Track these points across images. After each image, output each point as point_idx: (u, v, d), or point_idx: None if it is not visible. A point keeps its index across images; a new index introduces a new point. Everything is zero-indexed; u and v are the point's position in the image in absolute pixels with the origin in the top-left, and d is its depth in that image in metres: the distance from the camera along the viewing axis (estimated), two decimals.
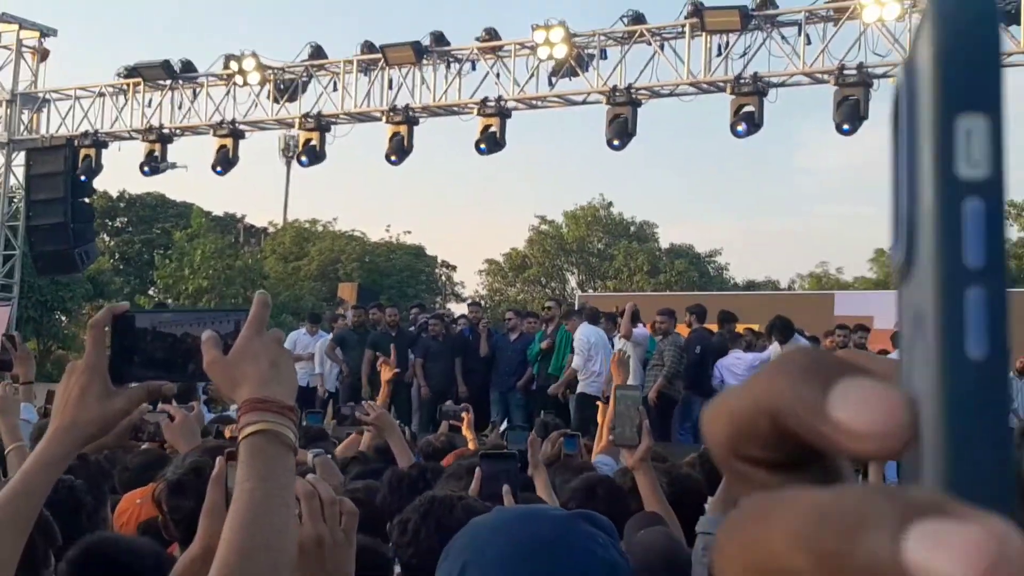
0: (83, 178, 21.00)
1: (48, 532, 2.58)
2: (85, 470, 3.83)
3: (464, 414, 8.64)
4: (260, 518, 1.74)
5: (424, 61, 18.66)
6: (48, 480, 2.14)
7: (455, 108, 18.78)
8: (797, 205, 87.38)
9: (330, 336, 17.84)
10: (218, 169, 19.77)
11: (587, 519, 1.71)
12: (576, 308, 16.83)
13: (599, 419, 7.33)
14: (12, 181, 22.31)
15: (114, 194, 44.79)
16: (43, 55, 21.98)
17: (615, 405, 4.54)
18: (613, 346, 15.02)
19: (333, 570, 2.04)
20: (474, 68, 18.68)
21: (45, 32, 22.02)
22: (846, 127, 15.58)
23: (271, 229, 48.95)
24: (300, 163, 19.91)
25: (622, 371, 6.09)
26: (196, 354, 1.95)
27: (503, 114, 18.01)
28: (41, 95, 21.91)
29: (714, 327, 16.17)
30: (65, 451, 2.12)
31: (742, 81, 16.30)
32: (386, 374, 8.19)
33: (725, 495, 4.24)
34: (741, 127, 16.25)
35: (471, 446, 8.06)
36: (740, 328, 16.76)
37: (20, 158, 21.95)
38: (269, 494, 1.76)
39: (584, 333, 14.86)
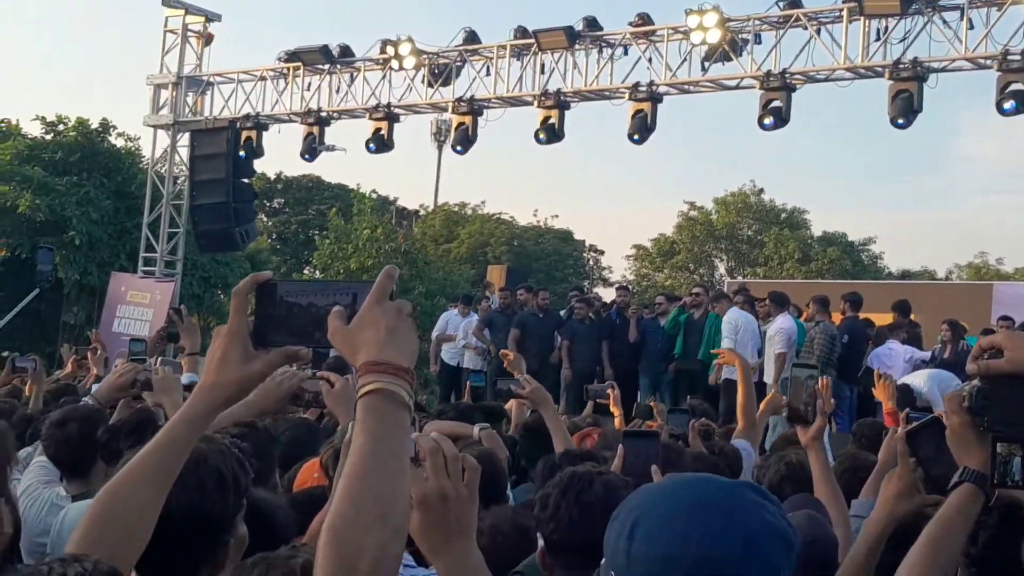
0: (243, 156, 21.59)
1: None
2: (253, 436, 4.00)
3: (610, 391, 8.70)
4: (372, 471, 1.82)
5: (576, 46, 18.69)
6: (190, 435, 2.30)
7: (606, 93, 18.77)
8: (956, 194, 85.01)
9: (476, 317, 18.10)
10: (371, 146, 20.11)
11: (754, 489, 1.76)
12: (722, 291, 16.68)
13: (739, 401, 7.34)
14: (177, 161, 23.05)
15: (271, 176, 45.88)
16: (207, 39, 22.63)
17: (792, 381, 4.53)
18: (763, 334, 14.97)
19: (455, 522, 2.12)
20: (626, 53, 18.62)
21: (210, 17, 22.64)
22: (1006, 106, 15.05)
23: (422, 212, 49.58)
24: (455, 150, 20.13)
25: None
26: (322, 323, 2.06)
27: (654, 99, 17.93)
28: (205, 78, 22.57)
29: (875, 316, 15.97)
30: (207, 408, 2.29)
31: (901, 66, 15.92)
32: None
33: (878, 479, 4.24)
34: (901, 120, 15.84)
35: (617, 423, 8.15)
36: (886, 317, 16.50)
37: (185, 139, 22.69)
38: (381, 448, 1.84)
39: (732, 317, 14.79)
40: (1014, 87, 15.04)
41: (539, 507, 3.79)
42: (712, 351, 14.04)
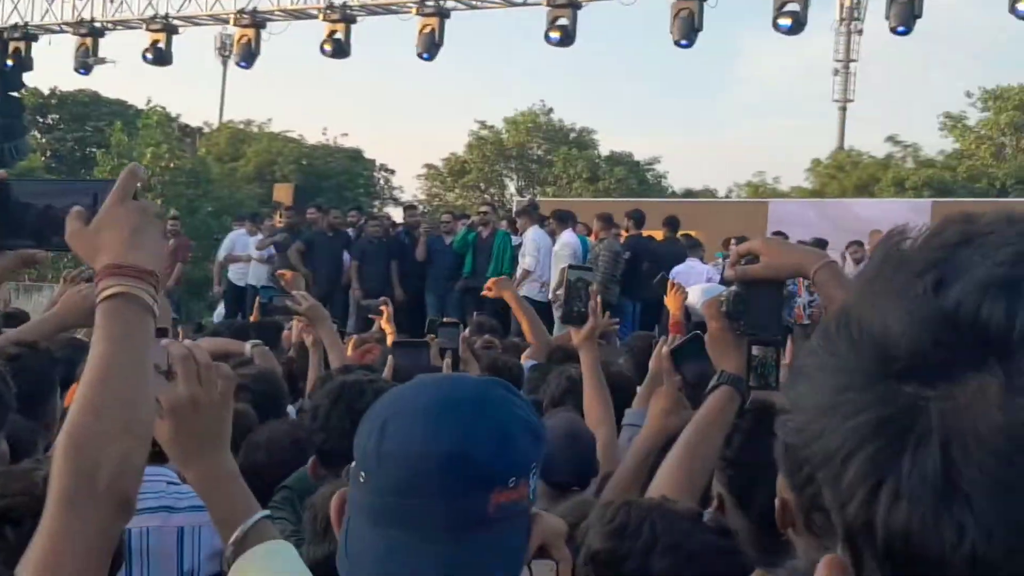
0: (11, 68, 20.51)
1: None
2: (33, 357, 3.80)
3: (383, 307, 8.64)
4: (113, 377, 1.74)
5: None
6: None
7: (394, 7, 18.52)
8: (737, 114, 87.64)
9: (260, 236, 17.75)
10: (148, 56, 19.38)
11: (503, 386, 1.74)
12: (530, 206, 16.66)
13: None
14: None
15: (45, 91, 43.84)
16: None
17: (565, 284, 4.59)
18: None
19: (205, 430, 2.05)
20: None
21: None
22: (782, 22, 15.50)
23: (206, 129, 48.26)
24: (238, 65, 19.57)
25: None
26: (61, 225, 1.96)
27: (442, 14, 17.81)
28: None
29: (656, 233, 16.29)
30: None
31: None
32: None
33: (648, 390, 4.33)
34: (684, 40, 16.15)
35: (389, 339, 8.10)
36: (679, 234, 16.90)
37: None
38: (121, 354, 1.76)
39: (536, 236, 14.90)
40: (790, 7, 15.48)
41: (310, 418, 3.75)
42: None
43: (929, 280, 0.75)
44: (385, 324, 8.31)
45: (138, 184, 1.94)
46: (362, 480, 1.62)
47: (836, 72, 44.80)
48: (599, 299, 4.63)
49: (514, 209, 25.95)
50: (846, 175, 39.53)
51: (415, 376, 3.35)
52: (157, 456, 2.09)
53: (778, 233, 16.27)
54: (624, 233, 15.72)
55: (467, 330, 6.89)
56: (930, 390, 0.72)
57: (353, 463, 1.67)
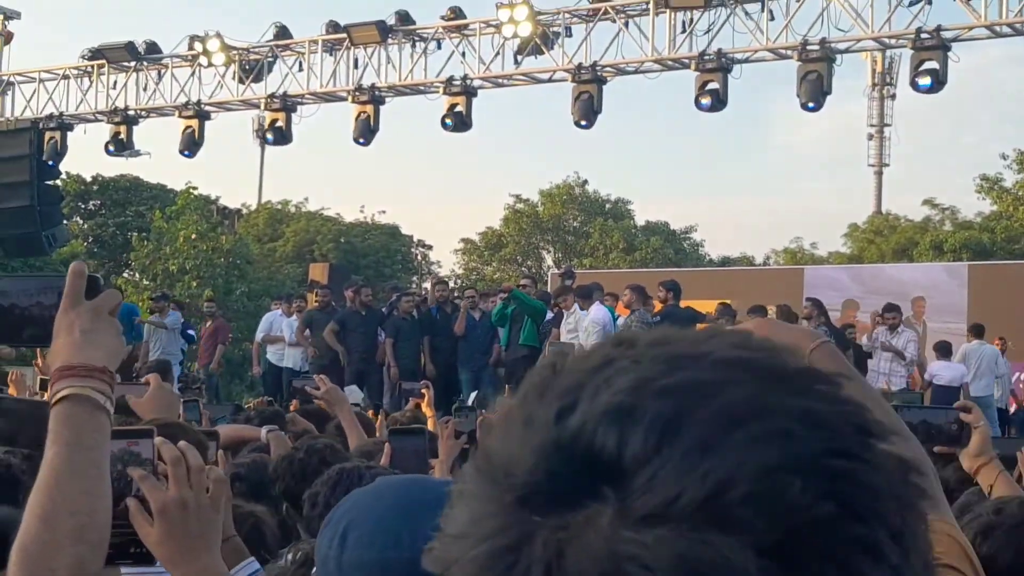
0: (49, 162, 20.90)
1: None
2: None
3: (424, 391, 8.62)
4: (65, 483, 1.72)
5: (389, 40, 18.61)
6: None
7: (421, 87, 18.75)
8: (772, 181, 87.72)
9: (294, 318, 17.80)
10: (185, 152, 19.76)
11: None
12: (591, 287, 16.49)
13: None
14: None
15: (87, 177, 44.54)
16: (7, 38, 21.79)
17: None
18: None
19: (197, 534, 2.05)
20: (439, 47, 18.64)
21: (8, 15, 21.82)
22: (811, 105, 15.63)
23: (244, 211, 48.78)
24: (267, 141, 19.88)
25: None
26: (32, 321, 1.97)
27: (469, 92, 17.98)
28: (5, 78, 21.74)
29: (698, 303, 16.27)
30: None
31: (706, 57, 16.29)
32: None
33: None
34: (705, 100, 16.27)
35: (430, 424, 8.06)
36: (708, 304, 16.89)
37: None
38: (73, 458, 1.75)
39: (598, 316, 14.77)
40: (813, 75, 15.53)
41: (309, 505, 3.73)
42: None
43: (555, 407, 0.75)
44: (426, 408, 8.28)
45: (83, 282, 1.93)
46: None
47: (870, 137, 44.87)
48: None
49: (549, 283, 25.99)
50: (884, 239, 39.36)
51: (412, 461, 3.33)
52: (145, 557, 2.08)
53: (811, 300, 16.17)
54: (659, 304, 15.66)
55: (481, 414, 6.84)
56: (544, 519, 0.72)
57: (314, 570, 1.65)
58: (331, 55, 19.20)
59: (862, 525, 0.70)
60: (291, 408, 9.32)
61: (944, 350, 16.24)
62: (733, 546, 0.68)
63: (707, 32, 16.55)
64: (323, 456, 4.35)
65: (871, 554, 0.70)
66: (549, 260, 46.40)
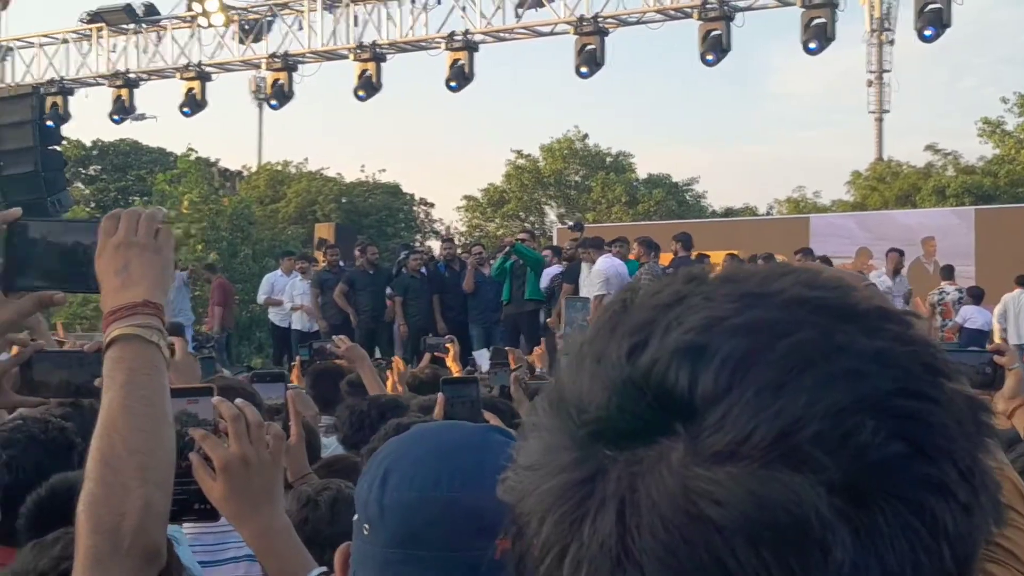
0: (51, 124, 20.86)
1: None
2: (80, 416, 3.84)
3: (449, 345, 8.63)
4: (122, 424, 1.71)
5: None
6: None
7: (422, 43, 18.66)
8: (773, 130, 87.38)
9: (299, 278, 17.80)
10: (186, 110, 19.69)
11: (502, 432, 1.74)
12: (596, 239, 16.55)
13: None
14: None
15: (87, 142, 44.43)
16: (4, 3, 21.66)
17: (565, 314, 4.61)
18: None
19: (259, 489, 2.07)
20: (439, 2, 18.56)
21: None
22: (812, 46, 15.53)
23: (245, 173, 48.67)
24: (271, 106, 19.83)
25: None
26: (78, 264, 1.96)
27: (471, 47, 17.90)
28: (4, 44, 21.66)
29: (716, 255, 16.29)
30: None
31: (708, 6, 16.20)
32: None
33: None
34: (710, 56, 16.16)
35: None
36: (716, 255, 16.91)
37: None
38: (127, 398, 1.74)
39: (602, 265, 14.84)
40: (817, 22, 15.44)
41: (366, 459, 3.73)
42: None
43: (626, 345, 0.76)
44: (451, 362, 8.31)
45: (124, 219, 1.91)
46: (366, 532, 1.61)
47: (870, 83, 44.58)
48: None
49: (555, 237, 26.01)
50: (887, 186, 39.23)
51: (465, 411, 3.37)
52: (209, 513, 2.10)
53: (806, 252, 16.20)
54: (671, 255, 15.71)
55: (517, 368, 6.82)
56: (617, 453, 0.73)
57: (355, 515, 1.66)
58: (331, 13, 19.10)
59: (931, 464, 0.71)
60: (292, 369, 9.31)
61: (977, 295, 16.27)
62: (803, 484, 0.69)
63: None
64: (383, 410, 4.40)
65: (940, 493, 0.72)
66: (552, 215, 46.36)
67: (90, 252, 1.92)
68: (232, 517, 2.10)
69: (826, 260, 16.13)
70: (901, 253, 16.13)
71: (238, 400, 2.16)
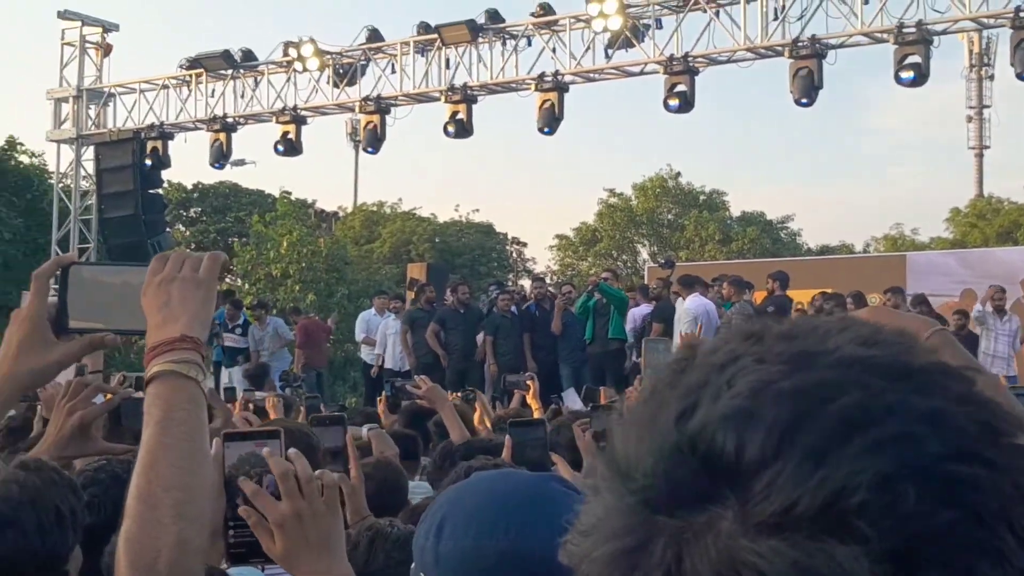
0: (151, 168, 21.37)
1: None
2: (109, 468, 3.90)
3: (529, 382, 8.61)
4: (158, 463, 1.72)
5: (480, 39, 18.67)
6: None
7: (513, 85, 18.78)
8: (869, 167, 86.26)
9: (392, 317, 17.97)
10: (279, 149, 20.03)
11: (561, 481, 1.75)
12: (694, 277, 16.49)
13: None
14: (84, 175, 22.70)
15: (188, 185, 45.43)
16: (106, 50, 22.28)
17: (645, 356, 4.59)
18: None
19: (317, 540, 2.07)
20: (530, 44, 18.65)
21: (108, 27, 22.29)
22: (905, 81, 15.33)
23: (341, 213, 49.31)
24: (365, 151, 20.10)
25: None
26: (130, 308, 1.95)
27: (561, 88, 17.97)
28: (106, 90, 22.22)
29: (797, 293, 16.09)
30: (1, 402, 2.10)
31: (800, 44, 16.08)
32: None
33: None
34: (803, 95, 16.00)
35: (536, 416, 8.08)
36: (808, 293, 16.73)
37: (89, 153, 22.33)
38: (164, 435, 1.74)
39: (691, 304, 14.82)
40: (911, 60, 15.26)
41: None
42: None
43: (675, 410, 0.76)
44: (532, 400, 8.30)
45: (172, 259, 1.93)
46: None
47: (970, 119, 43.89)
48: None
49: (646, 276, 25.90)
50: (987, 223, 38.53)
51: (533, 453, 3.37)
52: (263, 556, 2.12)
53: (892, 289, 15.89)
54: (764, 294, 15.60)
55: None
56: (666, 520, 0.74)
57: (413, 564, 1.68)
58: (423, 56, 19.32)
59: (985, 530, 0.70)
60: (379, 405, 9.37)
61: None
62: (848, 555, 0.68)
63: (800, 18, 16.33)
64: (470, 452, 4.41)
65: (995, 559, 0.70)
66: (644, 254, 46.22)
67: (140, 293, 1.93)
68: (292, 569, 2.11)
69: (922, 299, 15.86)
70: (1002, 290, 15.75)
71: (291, 451, 2.17)
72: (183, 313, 1.86)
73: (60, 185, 23.24)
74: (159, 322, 1.86)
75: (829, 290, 16.89)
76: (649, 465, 0.75)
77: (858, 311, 2.63)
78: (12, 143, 29.83)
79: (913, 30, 15.35)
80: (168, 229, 24.71)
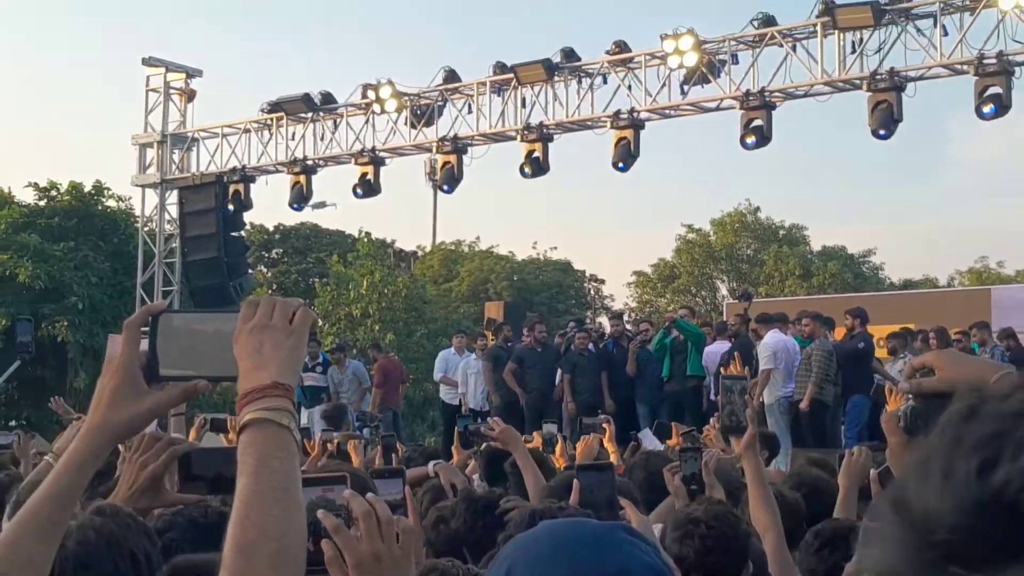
0: (233, 212, 21.70)
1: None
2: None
3: (605, 425, 8.55)
4: (253, 512, 1.73)
5: (556, 78, 18.75)
6: (79, 482, 2.10)
7: (588, 123, 18.82)
8: (953, 200, 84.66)
9: (473, 356, 18.03)
10: (358, 192, 20.24)
11: (627, 530, 1.75)
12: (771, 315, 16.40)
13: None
14: (168, 219, 23.12)
15: (270, 227, 46.07)
16: (190, 96, 22.70)
17: (722, 394, 4.55)
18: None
19: None
20: (605, 81, 18.69)
21: (191, 73, 22.73)
22: (987, 113, 15.13)
23: (420, 253, 49.67)
24: (442, 190, 20.25)
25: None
26: (219, 354, 1.98)
27: (636, 125, 17.97)
28: (190, 134, 22.64)
29: (880, 328, 15.87)
30: (94, 452, 2.10)
31: (878, 77, 15.94)
32: None
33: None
34: (882, 128, 15.85)
35: (612, 459, 7.99)
36: (889, 328, 16.53)
37: (173, 196, 22.75)
38: (259, 484, 1.76)
39: (769, 340, 14.78)
40: (992, 91, 15.06)
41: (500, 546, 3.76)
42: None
43: (975, 462, 0.74)
44: (608, 443, 8.21)
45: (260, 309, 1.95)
46: None
47: None
48: (755, 404, 4.59)
49: (725, 312, 25.72)
50: None
51: (602, 498, 3.37)
52: None
53: (980, 325, 15.64)
54: (844, 331, 15.41)
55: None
56: (967, 575, 0.72)
57: None
58: (499, 95, 19.44)
59: None
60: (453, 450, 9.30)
61: None
62: None
63: (878, 51, 16.21)
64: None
65: None
66: (723, 289, 45.92)
67: (231, 340, 1.95)
68: None
69: (1009, 333, 15.57)
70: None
71: (369, 495, 2.20)
72: (274, 360, 1.88)
73: (145, 229, 23.68)
74: (250, 368, 1.88)
75: (911, 326, 16.66)
76: (950, 520, 0.74)
77: (924, 355, 2.58)
78: (99, 188, 30.45)
79: (994, 61, 15.15)
80: (250, 271, 25.03)
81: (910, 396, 2.58)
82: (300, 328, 1.94)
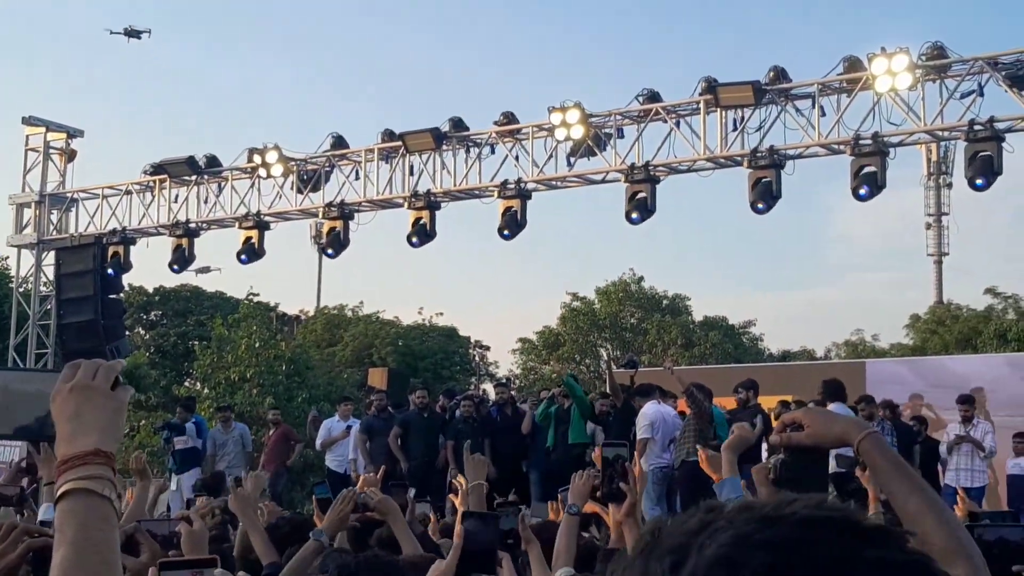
0: (112, 274, 21.26)
1: None
2: None
3: (454, 481, 8.52)
4: None
5: (444, 146, 18.86)
6: None
7: (476, 191, 18.92)
8: (830, 274, 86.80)
9: (357, 424, 17.82)
10: (243, 258, 20.00)
11: None
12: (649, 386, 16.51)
13: None
14: (44, 280, 22.57)
15: (150, 288, 45.25)
16: (70, 156, 22.32)
17: (602, 462, 4.60)
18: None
19: None
20: (493, 151, 18.85)
21: (72, 133, 22.37)
22: (862, 193, 15.60)
23: (303, 317, 49.17)
24: (327, 254, 20.12)
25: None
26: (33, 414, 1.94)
27: (523, 195, 18.13)
28: (69, 195, 22.23)
29: (761, 400, 16.02)
30: None
31: (758, 155, 16.35)
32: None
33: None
34: (761, 203, 16.22)
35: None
36: (772, 399, 16.74)
37: (50, 257, 22.24)
38: (81, 557, 1.70)
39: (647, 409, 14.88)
40: (867, 170, 15.52)
41: None
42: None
43: (668, 562, 0.87)
44: (459, 502, 8.19)
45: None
46: None
47: (928, 226, 44.55)
48: (634, 474, 4.63)
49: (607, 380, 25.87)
50: (946, 329, 38.88)
51: (485, 546, 3.39)
52: None
53: (863, 398, 16.03)
54: (734, 402, 15.61)
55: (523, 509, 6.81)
56: None
57: None
58: (387, 163, 19.46)
59: None
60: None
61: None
62: None
63: (758, 129, 16.65)
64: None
65: None
66: (607, 357, 46.24)
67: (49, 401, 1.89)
68: None
69: (889, 404, 15.95)
70: (964, 400, 15.85)
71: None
72: (94, 426, 1.82)
73: (20, 290, 23.08)
74: (69, 433, 1.81)
75: (789, 398, 16.92)
76: None
77: (794, 412, 2.71)
78: None
79: (869, 142, 15.64)
80: (127, 334, 24.53)
81: (780, 449, 2.68)
82: (121, 395, 1.88)
